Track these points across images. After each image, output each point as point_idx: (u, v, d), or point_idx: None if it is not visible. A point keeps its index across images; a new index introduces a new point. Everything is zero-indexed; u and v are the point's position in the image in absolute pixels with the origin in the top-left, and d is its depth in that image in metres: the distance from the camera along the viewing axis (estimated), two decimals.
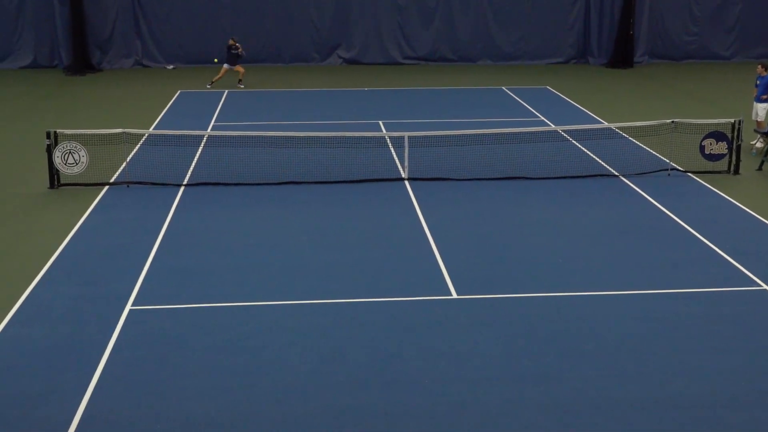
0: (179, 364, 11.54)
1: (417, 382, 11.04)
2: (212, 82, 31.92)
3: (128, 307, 13.24)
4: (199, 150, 22.04)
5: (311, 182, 19.69)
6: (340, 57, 38.11)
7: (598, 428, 10.01)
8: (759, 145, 22.67)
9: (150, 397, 10.70)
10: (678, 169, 20.60)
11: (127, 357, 11.71)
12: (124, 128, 20.40)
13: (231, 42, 31.53)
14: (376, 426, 10.06)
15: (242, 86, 32.10)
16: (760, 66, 23.18)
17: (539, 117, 26.91)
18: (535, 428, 10.00)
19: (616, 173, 20.36)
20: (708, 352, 11.86)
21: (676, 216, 17.40)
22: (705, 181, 19.94)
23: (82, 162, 19.41)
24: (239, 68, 31.96)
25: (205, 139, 22.55)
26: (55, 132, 19.48)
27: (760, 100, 22.91)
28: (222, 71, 31.70)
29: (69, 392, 10.77)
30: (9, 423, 10.12)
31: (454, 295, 13.63)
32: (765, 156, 21.26)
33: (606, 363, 11.53)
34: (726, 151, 20.65)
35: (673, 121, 20.87)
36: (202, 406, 10.49)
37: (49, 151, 19.27)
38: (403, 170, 20.17)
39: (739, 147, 20.65)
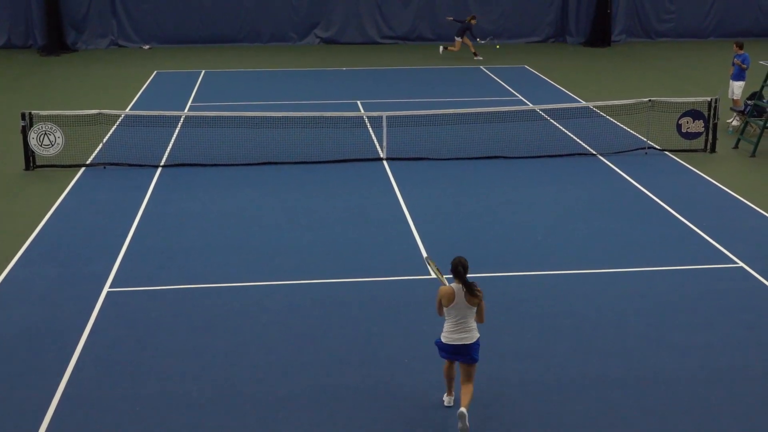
0: (158, 345, 11.50)
1: (397, 361, 11.05)
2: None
3: (106, 288, 13.17)
4: (176, 131, 21.90)
5: (289, 162, 19.62)
6: (317, 37, 37.86)
7: (578, 406, 10.06)
8: (735, 123, 22.77)
9: (129, 379, 10.66)
10: (655, 148, 20.67)
11: (106, 339, 11.65)
12: (101, 109, 20.26)
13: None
14: (356, 404, 10.06)
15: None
16: (735, 45, 23.34)
17: (517, 96, 26.91)
18: (515, 406, 10.03)
19: (594, 152, 20.40)
20: (686, 328, 11.93)
21: (653, 194, 17.47)
22: (682, 160, 20.02)
23: (58, 143, 19.25)
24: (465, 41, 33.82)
25: (182, 119, 22.41)
26: (30, 113, 19.28)
27: (736, 78, 23.02)
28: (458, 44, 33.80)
29: (47, 374, 10.71)
30: None
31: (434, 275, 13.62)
32: (741, 134, 21.37)
33: (585, 340, 11.58)
34: (703, 130, 20.73)
35: (650, 100, 20.93)
36: (182, 386, 10.46)
37: (24, 132, 19.09)
38: (382, 150, 20.14)
39: (715, 125, 20.74)
